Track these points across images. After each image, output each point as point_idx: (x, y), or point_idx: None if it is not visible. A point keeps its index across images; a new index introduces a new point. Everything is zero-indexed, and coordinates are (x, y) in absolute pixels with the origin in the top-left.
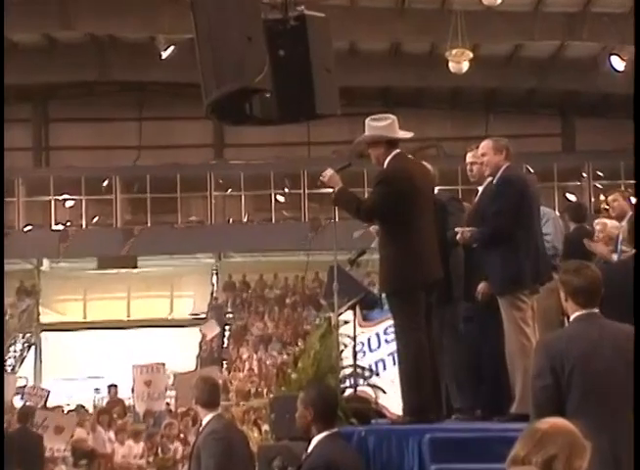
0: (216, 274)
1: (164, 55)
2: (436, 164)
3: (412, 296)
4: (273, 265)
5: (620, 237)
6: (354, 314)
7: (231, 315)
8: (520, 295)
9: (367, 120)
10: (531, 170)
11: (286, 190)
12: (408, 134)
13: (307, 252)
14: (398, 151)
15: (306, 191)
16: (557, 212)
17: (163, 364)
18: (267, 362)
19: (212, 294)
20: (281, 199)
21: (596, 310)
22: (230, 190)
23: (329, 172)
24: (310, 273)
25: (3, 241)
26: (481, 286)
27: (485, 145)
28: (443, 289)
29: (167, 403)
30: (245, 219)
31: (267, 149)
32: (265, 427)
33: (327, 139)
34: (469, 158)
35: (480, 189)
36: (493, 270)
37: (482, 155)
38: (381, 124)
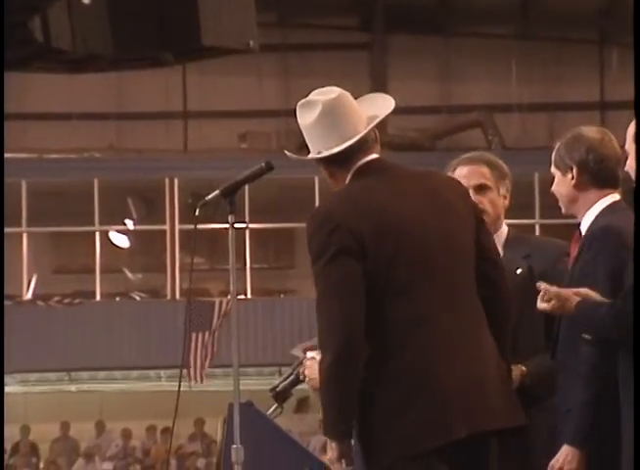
0: None
1: None
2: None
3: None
4: (95, 402)
5: None
6: None
7: None
8: None
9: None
10: None
11: (130, 223)
12: (375, 118)
13: (180, 372)
14: (369, 158)
15: (177, 226)
16: None
17: None
18: None
19: None
20: (119, 239)
21: None
22: None
23: None
24: (186, 422)
25: (3, 242)
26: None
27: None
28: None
29: None
30: (28, 294)
31: (83, 128)
32: None
33: (231, 106)
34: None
35: (583, 230)
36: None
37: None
38: (306, 122)
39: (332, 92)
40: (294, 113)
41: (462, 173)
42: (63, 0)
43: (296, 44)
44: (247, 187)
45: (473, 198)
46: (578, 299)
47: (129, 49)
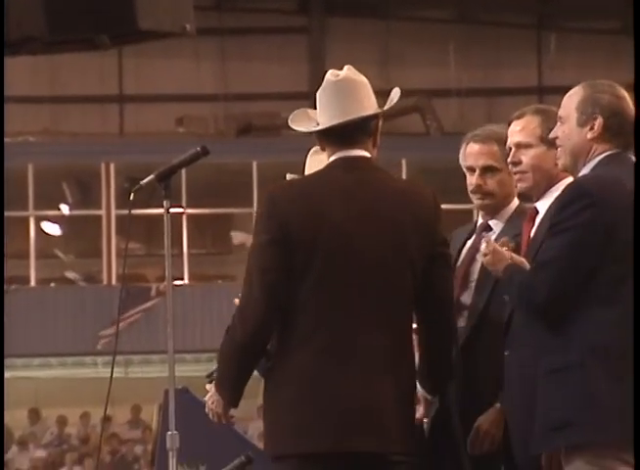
0: None
1: None
2: (426, 152)
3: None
4: (30, 390)
5: None
6: None
7: None
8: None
9: None
10: None
11: (65, 208)
12: (364, 111)
13: (113, 358)
14: (354, 154)
15: (113, 211)
16: None
17: None
18: None
19: None
20: (50, 228)
21: None
22: None
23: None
24: (122, 409)
25: (3, 241)
26: (486, 419)
27: (525, 123)
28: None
29: None
30: None
31: (17, 111)
32: None
33: (168, 90)
34: (514, 135)
35: (542, 210)
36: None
37: (518, 146)
38: (319, 91)
39: (354, 73)
40: (231, 97)
41: (472, 151)
42: None
43: (233, 28)
44: (183, 172)
45: (479, 179)
46: (509, 262)
47: (64, 32)
